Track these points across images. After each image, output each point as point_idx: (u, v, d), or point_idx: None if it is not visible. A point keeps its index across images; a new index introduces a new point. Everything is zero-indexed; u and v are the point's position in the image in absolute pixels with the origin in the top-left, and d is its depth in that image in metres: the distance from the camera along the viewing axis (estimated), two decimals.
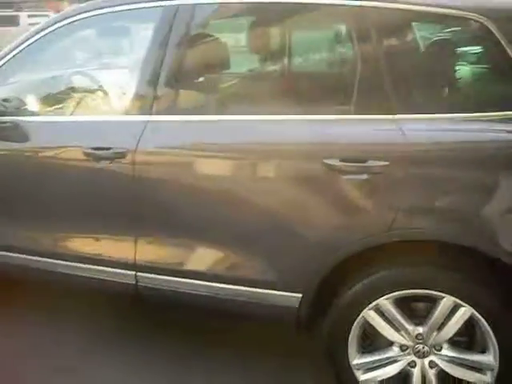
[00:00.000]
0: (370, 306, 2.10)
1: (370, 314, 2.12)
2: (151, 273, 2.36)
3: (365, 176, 2.01)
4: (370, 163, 1.99)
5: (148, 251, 2.37)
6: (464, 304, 2.01)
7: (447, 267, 2.06)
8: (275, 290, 2.20)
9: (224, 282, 2.26)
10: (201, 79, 2.51)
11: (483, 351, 2.07)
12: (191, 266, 2.33)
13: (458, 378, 2.10)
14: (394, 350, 2.15)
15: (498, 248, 1.95)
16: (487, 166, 1.95)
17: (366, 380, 2.20)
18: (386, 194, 2.01)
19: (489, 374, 2.08)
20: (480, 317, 2.01)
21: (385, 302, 2.09)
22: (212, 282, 2.28)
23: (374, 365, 2.19)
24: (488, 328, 2.02)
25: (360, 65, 2.10)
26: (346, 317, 2.15)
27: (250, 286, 2.23)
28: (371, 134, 2.04)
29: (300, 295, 2.17)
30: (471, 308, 2.01)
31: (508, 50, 1.93)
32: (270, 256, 2.21)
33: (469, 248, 1.98)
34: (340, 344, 2.18)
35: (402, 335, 2.12)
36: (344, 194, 2.05)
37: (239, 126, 2.21)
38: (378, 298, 2.09)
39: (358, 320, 2.13)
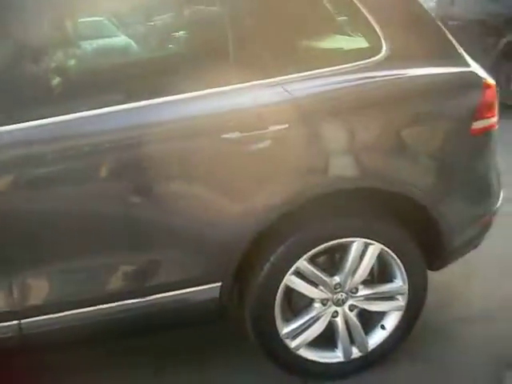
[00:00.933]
0: (291, 270, 2.07)
1: (291, 279, 2.09)
2: (38, 315, 1.94)
3: (268, 143, 1.93)
4: (271, 128, 1.91)
5: (29, 289, 1.95)
6: (374, 242, 2.12)
7: (354, 214, 2.14)
8: (194, 286, 2.00)
9: (137, 296, 1.97)
10: None
11: (391, 280, 2.24)
12: (91, 289, 1.97)
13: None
14: (316, 307, 2.16)
15: (398, 185, 2.11)
16: (370, 112, 2.04)
17: (297, 346, 2.18)
18: (293, 156, 1.95)
19: (401, 298, 2.24)
20: (389, 250, 2.15)
21: (303, 262, 2.08)
22: (121, 300, 1.97)
23: (301, 328, 2.17)
24: (396, 258, 2.17)
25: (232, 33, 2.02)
26: (269, 289, 2.07)
27: (167, 291, 1.99)
28: (263, 100, 1.95)
29: (219, 283, 2.03)
30: (380, 245, 2.13)
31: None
32: (180, 252, 1.99)
33: (372, 190, 2.08)
34: (268, 318, 2.11)
35: (322, 290, 2.14)
36: (251, 165, 1.93)
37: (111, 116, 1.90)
38: (296, 261, 2.06)
39: (280, 289, 2.09)
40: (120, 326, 2.03)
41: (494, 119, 2.24)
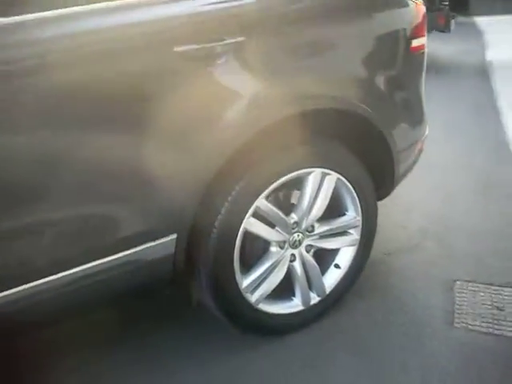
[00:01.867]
0: (250, 211, 1.79)
1: (250, 222, 1.81)
2: None
3: (224, 58, 1.60)
4: (227, 41, 1.59)
5: None
6: (330, 172, 1.93)
7: (311, 142, 1.90)
8: (146, 242, 1.62)
9: (83, 262, 1.52)
10: None
11: (344, 214, 2.07)
12: (24, 261, 1.46)
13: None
14: (274, 252, 1.92)
15: (351, 104, 1.91)
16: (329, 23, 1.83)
17: (258, 299, 1.92)
18: (249, 76, 1.65)
19: (355, 231, 2.10)
20: (344, 180, 1.98)
21: (262, 201, 1.81)
22: (65, 269, 1.51)
23: (261, 279, 1.91)
24: (351, 188, 2.01)
25: None
26: (227, 236, 1.77)
27: (118, 251, 1.57)
28: (217, 8, 1.61)
29: (174, 236, 1.67)
30: (337, 174, 1.95)
31: None
32: (129, 201, 1.57)
33: (327, 111, 1.86)
34: (227, 272, 1.81)
35: (279, 231, 1.90)
36: (211, 85, 1.59)
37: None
38: (255, 200, 1.79)
39: (239, 235, 1.79)
40: (69, 302, 1.58)
41: (425, 39, 2.19)
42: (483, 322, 2.12)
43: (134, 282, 1.69)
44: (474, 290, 2.31)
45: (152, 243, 1.63)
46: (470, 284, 2.35)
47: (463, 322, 2.12)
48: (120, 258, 1.59)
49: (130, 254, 1.60)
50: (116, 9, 1.50)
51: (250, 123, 1.68)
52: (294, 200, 2.00)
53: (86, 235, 1.54)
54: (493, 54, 7.84)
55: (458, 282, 2.36)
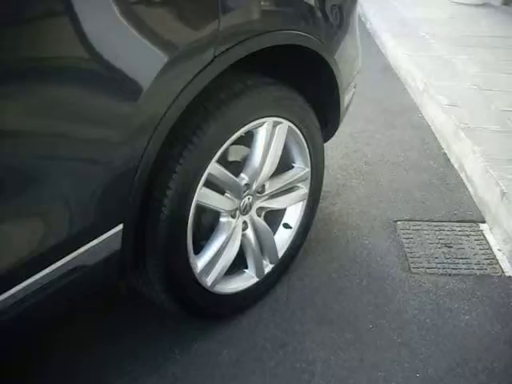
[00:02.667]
0: (203, 179, 1.43)
1: (203, 193, 1.46)
2: None
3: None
4: None
5: None
6: (282, 120, 1.62)
7: (263, 88, 1.55)
8: (94, 239, 1.20)
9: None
10: None
11: (292, 166, 1.79)
12: None
13: None
14: (225, 224, 1.59)
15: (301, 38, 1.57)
16: None
17: (214, 281, 1.60)
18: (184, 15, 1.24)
19: (304, 185, 1.83)
20: (295, 128, 1.68)
21: (215, 165, 1.46)
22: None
23: (216, 257, 1.59)
24: (301, 137, 1.72)
25: None
26: (179, 215, 1.39)
27: (62, 256, 1.14)
28: None
29: (120, 226, 1.26)
30: (288, 122, 1.64)
31: None
32: (61, 195, 1.13)
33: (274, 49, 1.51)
34: (180, 257, 1.46)
35: (230, 198, 1.57)
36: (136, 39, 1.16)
37: None
38: (208, 165, 1.43)
39: (192, 211, 1.43)
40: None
41: None
42: (438, 263, 2.02)
43: (76, 292, 1.27)
44: (418, 229, 2.20)
45: (95, 242, 1.21)
46: (411, 223, 2.23)
47: (420, 267, 2.00)
48: (56, 269, 1.16)
49: (64, 263, 1.18)
50: None
51: (198, 71, 1.29)
52: (234, 157, 1.68)
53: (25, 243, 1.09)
54: None
55: (399, 223, 2.23)
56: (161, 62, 1.18)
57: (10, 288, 1.09)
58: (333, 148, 2.74)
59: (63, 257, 1.17)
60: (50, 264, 1.14)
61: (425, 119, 3.13)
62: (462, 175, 2.54)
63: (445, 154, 2.77)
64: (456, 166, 2.63)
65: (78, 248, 1.19)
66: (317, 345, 1.68)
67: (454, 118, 2.74)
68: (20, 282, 1.10)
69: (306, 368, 1.60)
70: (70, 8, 1.00)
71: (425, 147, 2.84)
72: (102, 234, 1.22)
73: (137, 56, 1.15)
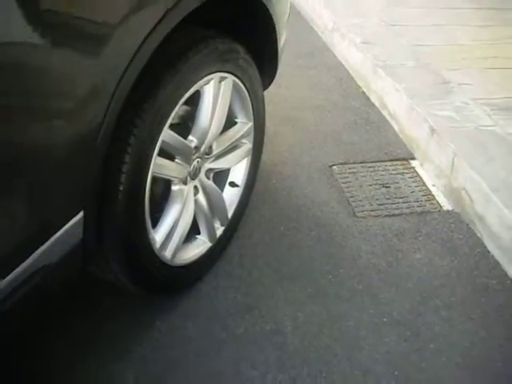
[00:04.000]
0: (157, 148, 1.30)
1: (158, 162, 1.33)
2: None
3: None
4: None
5: None
6: (226, 75, 1.50)
7: (215, 37, 1.42)
8: (54, 234, 1.04)
9: None
10: None
11: (235, 123, 1.69)
12: None
13: None
14: (177, 191, 1.48)
15: None
16: None
17: (172, 254, 1.49)
18: None
19: (247, 140, 1.74)
20: (238, 81, 1.57)
21: (168, 131, 1.33)
22: None
23: (172, 230, 1.48)
24: (244, 90, 1.62)
25: None
26: (135, 189, 1.27)
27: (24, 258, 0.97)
28: None
29: (81, 214, 1.11)
30: (232, 76, 1.53)
31: None
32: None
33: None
34: (138, 234, 1.34)
35: (180, 163, 1.45)
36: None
37: None
38: (161, 132, 1.30)
39: (148, 183, 1.31)
40: None
41: None
42: (380, 204, 2.04)
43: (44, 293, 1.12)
44: (354, 172, 2.20)
45: (54, 237, 1.06)
46: (346, 166, 2.23)
47: (363, 211, 2.01)
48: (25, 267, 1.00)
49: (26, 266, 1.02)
50: None
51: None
52: (177, 119, 1.54)
53: None
54: None
55: (334, 167, 2.22)
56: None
57: None
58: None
59: (23, 261, 1.01)
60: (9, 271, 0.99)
61: (338, 59, 3.11)
62: (385, 113, 2.57)
63: (363, 92, 2.78)
64: (377, 104, 2.65)
65: (38, 248, 1.04)
66: (281, 303, 1.65)
67: (369, 56, 2.74)
68: None
69: (276, 329, 1.57)
70: None
71: (343, 87, 2.83)
72: (63, 226, 1.08)
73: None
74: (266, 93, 2.71)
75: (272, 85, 2.73)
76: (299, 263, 1.78)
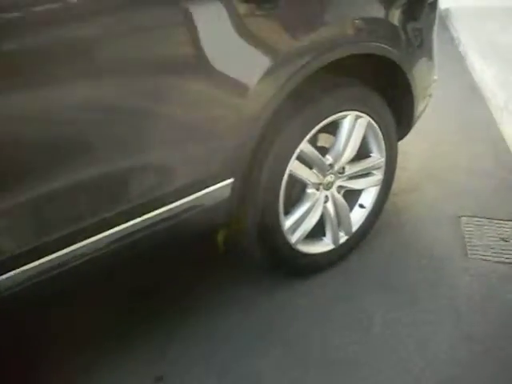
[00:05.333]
0: (295, 154, 1.84)
1: (294, 165, 1.86)
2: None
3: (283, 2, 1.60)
4: None
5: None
6: (363, 115, 2.00)
7: (347, 86, 1.96)
8: (204, 188, 1.64)
9: (144, 212, 1.52)
10: None
11: (369, 155, 2.16)
12: (87, 212, 1.45)
13: None
14: (310, 194, 1.99)
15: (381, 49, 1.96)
16: None
17: (297, 240, 2.00)
18: (310, 14, 1.68)
19: (378, 172, 2.19)
20: (373, 122, 2.05)
21: (306, 144, 1.87)
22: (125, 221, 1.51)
23: (300, 220, 1.99)
24: (378, 130, 2.09)
25: None
26: (274, 179, 1.82)
27: (176, 200, 1.58)
28: None
29: (231, 180, 1.69)
30: (368, 117, 2.02)
31: None
32: (189, 147, 1.56)
33: (360, 56, 1.91)
34: (272, 213, 1.87)
35: (316, 173, 1.96)
36: (268, 27, 1.59)
37: None
38: (300, 143, 1.84)
39: (285, 177, 1.85)
40: (126, 253, 1.58)
41: None
42: (493, 253, 2.30)
43: (191, 229, 1.72)
44: (479, 225, 2.48)
45: (211, 188, 1.65)
46: (474, 219, 2.52)
47: (476, 254, 2.28)
48: (179, 205, 1.60)
49: (189, 200, 1.62)
50: None
51: (299, 70, 1.70)
52: (322, 143, 2.06)
53: (146, 185, 1.54)
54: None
55: (463, 218, 2.52)
56: (268, 64, 1.61)
57: (157, 209, 1.55)
58: (412, 152, 3.06)
59: (188, 195, 1.62)
60: (178, 199, 1.60)
61: (501, 134, 3.37)
62: None
63: None
64: None
65: (201, 190, 1.63)
66: (377, 303, 2.03)
67: None
68: (160, 208, 1.56)
69: (365, 318, 1.96)
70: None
71: (499, 159, 3.08)
72: (218, 183, 1.66)
73: (248, 59, 1.59)
74: (420, 150, 3.11)
75: (428, 145, 3.13)
76: (402, 278, 2.14)
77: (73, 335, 1.91)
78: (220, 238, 2.05)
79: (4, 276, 1.35)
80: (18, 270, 1.37)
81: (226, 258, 2.18)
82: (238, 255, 2.12)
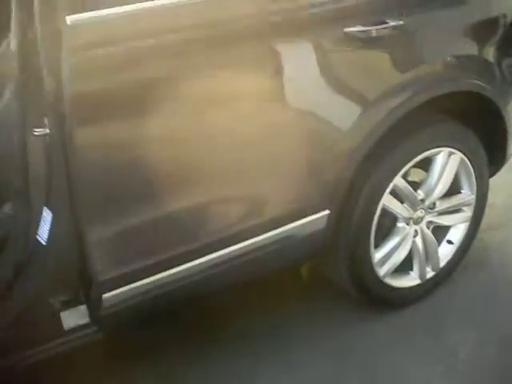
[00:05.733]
0: (389, 188, 1.88)
1: (388, 199, 1.90)
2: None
3: (383, 42, 1.67)
4: (391, 23, 1.64)
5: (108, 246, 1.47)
6: (455, 152, 2.02)
7: (442, 122, 2.00)
8: (301, 218, 1.71)
9: (240, 240, 1.61)
10: None
11: (460, 192, 2.16)
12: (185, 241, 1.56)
13: None
14: (401, 228, 2.01)
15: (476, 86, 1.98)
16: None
17: (385, 273, 2.02)
18: (412, 52, 1.75)
19: (468, 209, 2.19)
20: (466, 159, 2.06)
21: (400, 179, 1.91)
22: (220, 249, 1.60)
23: (390, 253, 2.01)
24: (470, 167, 2.09)
25: None
26: (368, 211, 1.86)
27: (276, 228, 1.66)
28: None
29: (327, 212, 1.75)
30: (460, 154, 2.03)
31: None
32: (290, 179, 1.65)
33: (455, 93, 1.94)
34: (364, 245, 1.91)
35: (407, 208, 1.99)
36: (369, 67, 1.67)
37: None
38: (394, 178, 1.88)
39: (378, 210, 1.88)
40: (226, 277, 1.66)
41: None
42: None
43: (285, 258, 1.79)
44: None
45: (307, 219, 1.72)
46: None
47: None
48: (274, 235, 1.68)
49: (284, 230, 1.69)
50: None
51: (399, 107, 1.76)
52: (413, 177, 2.08)
53: (246, 214, 1.64)
54: None
55: None
56: (368, 100, 1.68)
57: (252, 238, 1.63)
58: (500, 185, 3.00)
59: (284, 226, 1.69)
60: (274, 229, 1.67)
61: None
62: None
63: None
64: None
65: (297, 220, 1.70)
66: (463, 340, 2.02)
67: None
68: (256, 237, 1.64)
69: (450, 353, 1.96)
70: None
71: None
72: (315, 214, 1.73)
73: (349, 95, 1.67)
74: (508, 188, 3.04)
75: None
76: (488, 316, 2.12)
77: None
78: (305, 267, 2.10)
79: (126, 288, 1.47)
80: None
81: (308, 286, 2.22)
82: (321, 285, 2.16)
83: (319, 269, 2.05)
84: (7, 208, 1.56)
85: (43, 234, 1.45)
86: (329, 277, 2.05)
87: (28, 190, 1.46)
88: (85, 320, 1.55)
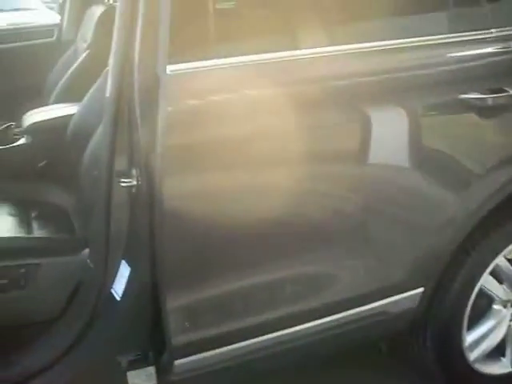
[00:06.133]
0: (489, 268, 1.71)
1: (487, 279, 1.72)
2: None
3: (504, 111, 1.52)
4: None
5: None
6: None
7: None
8: (398, 294, 1.56)
9: (333, 313, 1.48)
10: None
11: None
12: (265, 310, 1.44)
13: None
14: (497, 311, 1.81)
15: None
16: None
17: (476, 358, 1.82)
18: None
19: None
20: None
21: (502, 258, 1.73)
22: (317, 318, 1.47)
23: (482, 337, 1.82)
24: None
25: None
26: (464, 291, 1.69)
27: (368, 303, 1.53)
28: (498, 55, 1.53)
29: (421, 289, 1.60)
30: None
31: None
32: (391, 252, 1.54)
33: None
34: (456, 326, 1.73)
35: (506, 290, 1.80)
36: (484, 137, 1.52)
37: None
38: (496, 257, 1.70)
39: (475, 291, 1.71)
40: (309, 349, 1.52)
41: None
42: None
43: (372, 333, 1.63)
44: None
45: (400, 296, 1.57)
46: None
47: None
48: (368, 309, 1.53)
49: (376, 306, 1.55)
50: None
51: (509, 182, 1.59)
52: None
53: (340, 286, 1.51)
54: None
55: None
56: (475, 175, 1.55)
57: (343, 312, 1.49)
58: None
59: (378, 301, 1.54)
60: (370, 303, 1.53)
61: None
62: None
63: None
64: None
65: (391, 297, 1.55)
66: None
67: None
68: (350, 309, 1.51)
69: None
70: None
71: None
72: (409, 291, 1.57)
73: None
74: None
75: None
76: None
77: None
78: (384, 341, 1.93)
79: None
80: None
81: (386, 360, 2.04)
82: (401, 361, 1.98)
83: (402, 345, 1.87)
84: (84, 255, 1.48)
85: (119, 288, 1.37)
86: (411, 355, 1.87)
87: (108, 240, 1.39)
88: (152, 382, 1.44)
